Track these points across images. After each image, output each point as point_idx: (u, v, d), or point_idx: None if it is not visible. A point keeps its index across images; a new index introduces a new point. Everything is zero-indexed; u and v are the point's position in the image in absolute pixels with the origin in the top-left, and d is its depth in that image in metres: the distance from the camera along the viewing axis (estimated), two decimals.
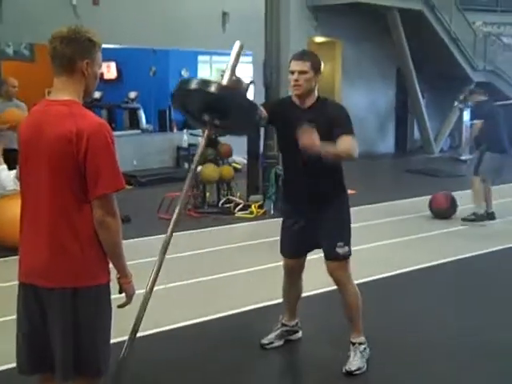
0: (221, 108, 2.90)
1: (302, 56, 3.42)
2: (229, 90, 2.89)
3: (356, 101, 14.63)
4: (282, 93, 8.37)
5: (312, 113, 3.37)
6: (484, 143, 7.47)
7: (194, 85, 2.93)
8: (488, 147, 7.37)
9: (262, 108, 3.12)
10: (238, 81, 3.00)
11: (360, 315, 3.58)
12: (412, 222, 7.55)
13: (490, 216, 7.45)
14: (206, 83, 2.88)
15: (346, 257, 3.48)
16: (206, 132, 3.03)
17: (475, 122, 7.74)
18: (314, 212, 3.50)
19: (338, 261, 3.47)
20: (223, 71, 2.99)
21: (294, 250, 3.66)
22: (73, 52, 2.21)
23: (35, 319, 2.28)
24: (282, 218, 3.79)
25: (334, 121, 3.30)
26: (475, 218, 7.42)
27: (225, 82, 2.89)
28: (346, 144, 3.25)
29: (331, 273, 3.54)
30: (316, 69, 3.38)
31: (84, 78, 2.25)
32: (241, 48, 3.01)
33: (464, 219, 7.44)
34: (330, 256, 3.49)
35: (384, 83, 15.53)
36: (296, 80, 3.35)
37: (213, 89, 2.80)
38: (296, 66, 3.36)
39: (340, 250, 3.45)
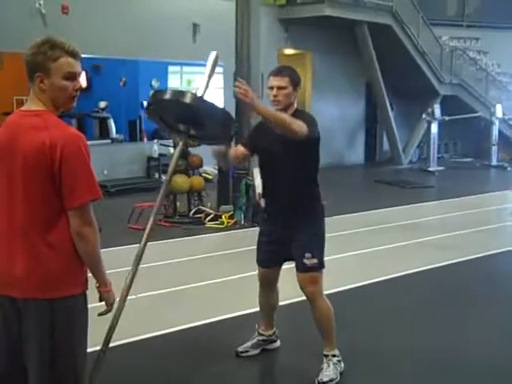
0: (196, 118, 2.90)
1: (280, 71, 3.44)
2: (205, 101, 2.90)
3: (326, 112, 14.76)
4: None
5: None
6: None
7: (169, 95, 2.92)
8: None
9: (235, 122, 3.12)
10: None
11: (333, 329, 3.59)
12: (380, 233, 7.63)
13: None
14: (181, 94, 2.87)
15: (313, 269, 3.46)
16: (181, 142, 3.03)
17: None
18: (289, 224, 3.52)
19: (305, 272, 3.47)
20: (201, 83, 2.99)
21: (268, 259, 3.67)
22: (30, 66, 2.20)
23: (13, 330, 2.26)
24: (259, 228, 3.82)
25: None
26: None
27: (200, 92, 2.91)
28: (289, 117, 3.26)
29: (301, 287, 3.53)
30: (295, 84, 3.41)
31: (43, 91, 2.21)
32: (216, 58, 3.02)
33: None
34: (298, 267, 3.50)
35: (354, 95, 15.70)
36: (275, 96, 3.38)
37: (188, 100, 2.81)
38: (274, 81, 3.39)
39: (307, 262, 3.45)
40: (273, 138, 3.34)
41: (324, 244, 3.55)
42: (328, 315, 3.56)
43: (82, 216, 2.19)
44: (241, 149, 3.66)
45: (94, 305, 2.38)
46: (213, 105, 2.82)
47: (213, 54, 3.03)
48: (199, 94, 2.87)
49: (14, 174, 2.19)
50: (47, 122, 2.19)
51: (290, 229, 3.51)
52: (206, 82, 2.95)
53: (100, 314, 2.40)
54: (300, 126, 3.21)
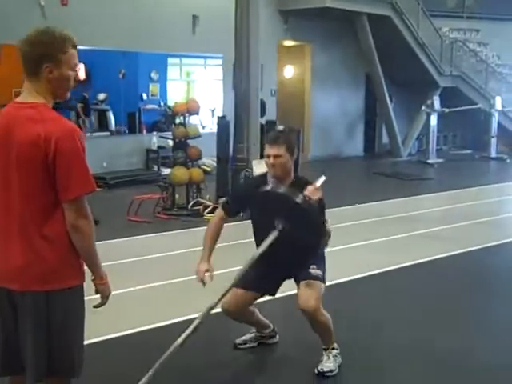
0: (294, 217, 3.11)
1: (276, 140, 3.46)
2: (310, 205, 3.11)
3: (325, 104, 14.77)
4: (251, 95, 8.42)
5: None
6: None
7: (281, 189, 3.22)
8: None
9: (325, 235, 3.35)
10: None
11: (332, 332, 3.56)
12: (378, 225, 7.63)
13: None
14: (293, 192, 3.14)
15: (318, 278, 3.42)
16: (274, 235, 3.14)
17: None
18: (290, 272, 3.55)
19: (310, 279, 3.42)
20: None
21: (257, 282, 3.54)
22: (36, 56, 2.19)
23: (8, 322, 2.27)
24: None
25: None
26: None
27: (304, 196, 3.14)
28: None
29: (305, 301, 3.38)
30: (291, 150, 3.44)
31: (49, 81, 2.22)
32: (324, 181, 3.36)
33: None
34: (303, 276, 3.43)
35: (353, 87, 15.68)
36: (273, 164, 3.42)
37: (299, 200, 3.05)
38: (271, 150, 3.42)
39: (312, 271, 3.43)
40: (276, 212, 3.21)
41: (325, 270, 3.52)
42: (328, 326, 3.53)
43: (77, 209, 2.19)
44: (219, 215, 3.70)
45: (90, 297, 2.38)
46: (314, 210, 3.08)
47: (321, 178, 3.38)
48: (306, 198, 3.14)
49: (9, 166, 2.19)
50: (43, 115, 2.18)
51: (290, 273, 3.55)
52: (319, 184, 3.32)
53: (95, 307, 2.40)
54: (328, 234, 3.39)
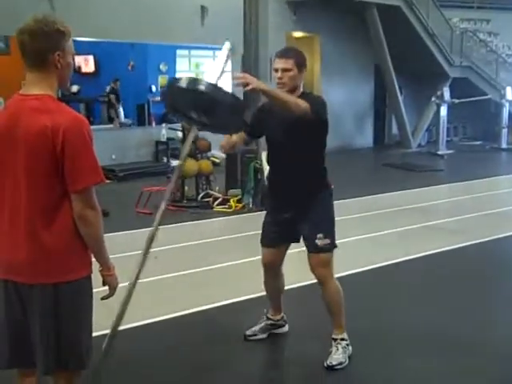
0: (209, 106, 2.87)
1: (285, 53, 3.42)
2: (219, 89, 2.89)
3: (335, 96, 14.68)
4: None
5: None
6: None
7: (183, 83, 2.92)
8: None
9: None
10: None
11: (342, 312, 3.59)
12: (389, 217, 7.61)
13: None
14: (195, 81, 2.86)
15: (325, 249, 3.47)
16: (194, 129, 3.02)
17: None
18: (297, 207, 3.52)
19: (317, 253, 3.47)
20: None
21: (273, 238, 3.65)
22: (43, 46, 2.17)
23: (17, 314, 2.27)
24: (265, 211, 3.80)
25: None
26: None
27: (214, 80, 2.89)
28: (295, 97, 3.25)
29: (313, 268, 3.53)
30: (300, 65, 3.38)
31: (57, 71, 2.21)
32: (230, 49, 3.02)
33: None
34: (310, 248, 3.50)
35: (363, 78, 15.60)
36: (280, 78, 3.36)
37: (203, 87, 2.79)
38: (279, 63, 3.37)
39: (319, 242, 3.45)
40: (279, 119, 3.35)
41: (334, 225, 3.54)
42: (337, 297, 3.57)
43: (85, 199, 2.18)
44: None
45: (98, 289, 2.38)
46: (225, 92, 2.81)
47: (226, 45, 3.04)
48: (211, 81, 2.86)
49: (16, 158, 2.18)
50: (49, 106, 2.17)
51: (298, 210, 3.51)
52: (219, 71, 2.94)
53: (103, 298, 2.40)
54: (305, 105, 3.21)
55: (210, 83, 2.83)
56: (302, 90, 3.45)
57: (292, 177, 3.49)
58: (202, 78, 2.91)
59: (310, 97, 3.41)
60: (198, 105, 2.91)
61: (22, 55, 2.22)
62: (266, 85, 3.15)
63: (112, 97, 12.13)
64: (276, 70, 3.38)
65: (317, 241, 3.45)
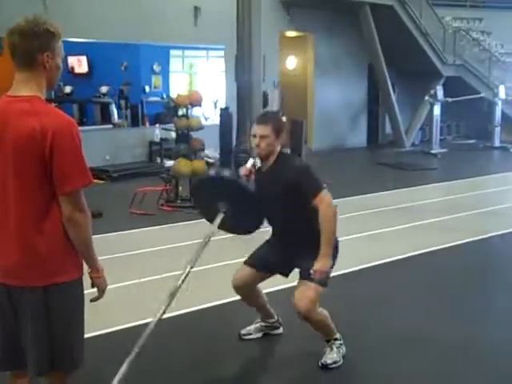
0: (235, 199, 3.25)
1: (263, 120, 3.47)
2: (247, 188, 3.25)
3: (328, 95, 14.73)
4: (254, 86, 8.40)
5: (270, 174, 3.44)
6: None
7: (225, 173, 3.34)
8: None
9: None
10: None
11: (330, 327, 3.54)
12: (382, 215, 7.62)
13: None
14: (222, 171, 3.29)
15: (316, 280, 3.30)
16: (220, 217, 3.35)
17: None
18: (298, 258, 3.50)
19: (308, 280, 3.33)
20: None
21: (265, 259, 3.61)
22: (32, 46, 2.16)
23: (9, 317, 2.27)
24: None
25: (299, 185, 3.28)
26: None
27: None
28: (325, 222, 3.27)
29: (297, 301, 3.35)
30: (278, 131, 3.41)
31: (45, 71, 2.20)
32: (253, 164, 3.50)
33: None
34: (303, 275, 3.39)
35: (356, 77, 15.63)
36: (257, 144, 3.41)
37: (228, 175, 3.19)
38: (257, 129, 3.41)
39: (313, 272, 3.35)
40: (271, 189, 3.40)
41: (331, 271, 3.41)
42: (324, 323, 3.50)
43: (74, 202, 2.18)
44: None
45: (88, 291, 2.37)
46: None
47: (250, 161, 3.48)
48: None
49: (5, 160, 2.17)
50: (37, 108, 2.16)
51: (299, 257, 3.49)
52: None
53: (92, 300, 2.39)
54: (331, 205, 3.30)
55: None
56: (278, 151, 3.45)
57: (289, 235, 3.49)
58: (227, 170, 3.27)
59: (291, 170, 3.36)
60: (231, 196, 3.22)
61: (11, 56, 2.20)
62: (327, 257, 3.29)
63: (121, 102, 12.02)
64: (254, 136, 3.43)
65: (311, 270, 3.31)
